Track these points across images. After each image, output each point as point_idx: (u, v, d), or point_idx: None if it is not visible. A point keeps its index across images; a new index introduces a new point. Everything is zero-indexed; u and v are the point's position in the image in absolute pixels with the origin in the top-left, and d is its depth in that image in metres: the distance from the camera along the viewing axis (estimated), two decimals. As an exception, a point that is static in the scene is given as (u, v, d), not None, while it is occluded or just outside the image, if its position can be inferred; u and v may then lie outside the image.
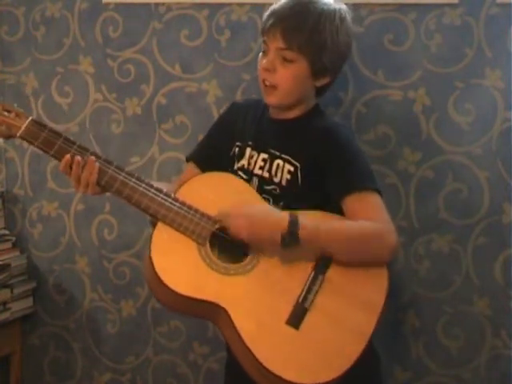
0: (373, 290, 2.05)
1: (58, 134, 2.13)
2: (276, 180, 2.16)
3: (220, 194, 2.13)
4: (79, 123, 2.79)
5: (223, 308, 2.01)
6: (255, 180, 2.20)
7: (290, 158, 2.15)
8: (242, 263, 2.07)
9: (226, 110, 2.39)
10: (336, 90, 2.42)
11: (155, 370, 2.79)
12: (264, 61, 2.14)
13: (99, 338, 2.84)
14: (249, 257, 2.07)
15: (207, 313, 2.08)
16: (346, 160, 2.12)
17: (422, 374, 2.53)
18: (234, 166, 2.24)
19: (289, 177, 2.15)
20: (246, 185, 2.18)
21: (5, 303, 2.77)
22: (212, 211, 2.10)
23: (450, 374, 2.50)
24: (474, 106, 2.43)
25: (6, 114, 2.14)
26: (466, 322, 2.48)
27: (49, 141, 2.12)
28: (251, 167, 2.21)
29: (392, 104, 2.49)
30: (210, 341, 2.71)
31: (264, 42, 2.16)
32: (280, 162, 2.16)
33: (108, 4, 2.72)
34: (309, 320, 2.02)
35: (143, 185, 2.12)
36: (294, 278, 2.04)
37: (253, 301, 2.02)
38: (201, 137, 2.44)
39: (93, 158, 2.11)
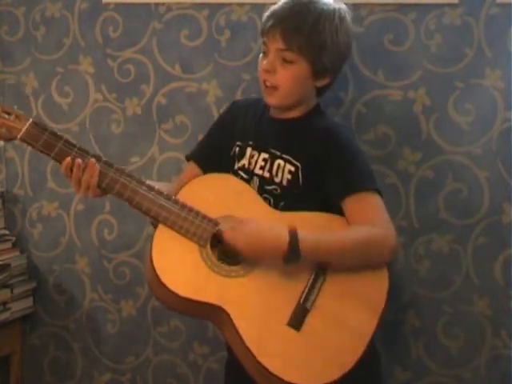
0: (373, 290, 2.06)
1: (58, 137, 2.13)
2: (277, 180, 2.16)
3: (220, 196, 2.14)
4: (79, 123, 2.79)
5: (224, 310, 2.02)
6: (256, 180, 2.20)
7: (290, 158, 2.15)
8: (243, 265, 2.07)
9: (226, 109, 2.39)
10: (336, 90, 2.42)
11: (155, 369, 2.79)
12: (264, 62, 2.14)
13: (99, 338, 2.84)
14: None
15: (208, 314, 2.08)
16: (346, 160, 2.12)
17: (422, 373, 2.53)
18: (234, 166, 2.24)
19: (290, 177, 2.14)
20: (246, 185, 2.18)
21: (5, 303, 2.77)
22: (213, 213, 2.10)
23: (450, 374, 2.50)
24: (473, 105, 2.43)
25: (6, 116, 2.14)
26: (466, 321, 2.48)
27: (49, 143, 2.12)
28: (252, 167, 2.21)
29: (392, 104, 2.48)
30: (209, 341, 2.71)
31: (264, 43, 2.15)
32: (281, 162, 2.16)
33: (108, 4, 2.72)
34: (310, 321, 2.02)
35: (144, 187, 2.12)
36: (294, 280, 2.04)
37: (254, 302, 2.02)
38: (201, 137, 2.44)
39: (93, 160, 2.11)
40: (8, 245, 2.85)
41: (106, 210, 2.78)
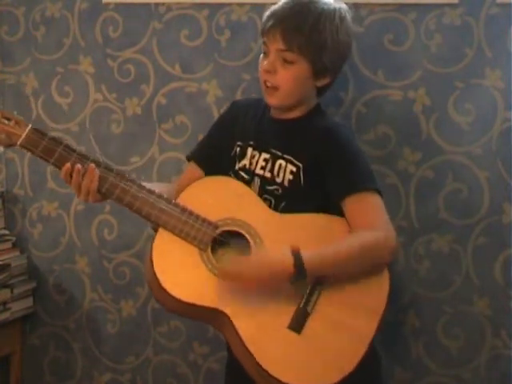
0: (374, 293, 2.05)
1: (58, 142, 2.12)
2: (278, 180, 2.16)
3: (220, 198, 2.14)
4: (79, 123, 2.79)
5: (225, 313, 2.02)
6: (257, 180, 2.19)
7: (292, 159, 2.15)
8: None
9: (226, 109, 2.38)
10: (336, 90, 2.41)
11: (155, 369, 2.79)
12: (265, 62, 2.14)
13: (99, 337, 2.84)
14: None
15: (208, 317, 2.08)
16: (347, 160, 2.12)
17: (422, 374, 2.52)
18: (235, 166, 2.24)
19: (291, 177, 2.14)
20: (247, 188, 2.18)
21: (5, 303, 2.77)
22: (213, 216, 2.10)
23: (450, 374, 2.50)
24: (474, 105, 2.43)
25: (6, 121, 2.13)
26: (466, 321, 2.48)
27: (49, 149, 2.12)
28: (253, 167, 2.21)
29: (392, 104, 2.48)
30: (209, 341, 2.71)
31: (264, 43, 2.15)
32: (282, 162, 2.16)
33: (108, 4, 2.72)
34: (310, 324, 2.02)
35: (144, 191, 2.11)
36: (295, 283, 2.04)
37: (254, 306, 2.02)
38: (201, 137, 2.44)
39: (93, 165, 2.10)
40: (8, 245, 2.85)
41: (106, 210, 2.78)
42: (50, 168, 2.82)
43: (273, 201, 2.16)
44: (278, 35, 2.11)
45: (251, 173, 2.21)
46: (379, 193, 2.11)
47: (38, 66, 2.82)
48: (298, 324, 2.02)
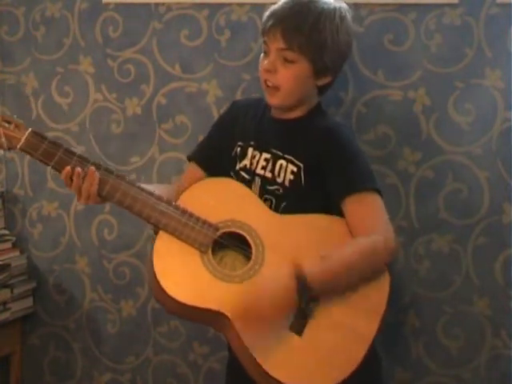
0: (374, 294, 2.05)
1: (57, 145, 2.12)
2: (279, 180, 2.16)
3: (221, 200, 2.14)
4: (79, 123, 2.79)
5: (226, 315, 2.01)
6: (258, 180, 2.19)
7: (292, 159, 2.15)
8: (244, 270, 2.07)
9: (226, 109, 2.38)
10: (336, 89, 2.42)
11: (155, 369, 2.79)
12: (265, 62, 2.14)
13: (99, 337, 2.84)
14: (251, 263, 2.07)
15: (209, 320, 2.07)
16: (347, 160, 2.12)
17: (422, 374, 2.52)
18: (235, 166, 2.24)
19: (292, 177, 2.14)
20: (247, 189, 2.17)
21: (5, 303, 2.77)
22: (214, 217, 2.10)
23: (450, 374, 2.50)
24: (474, 106, 2.43)
25: (6, 125, 2.13)
26: (466, 322, 2.48)
27: (49, 152, 2.12)
28: (253, 167, 2.21)
29: (392, 104, 2.48)
30: (210, 341, 2.71)
31: (264, 42, 2.15)
32: (283, 162, 2.16)
33: (108, 4, 2.72)
34: (311, 326, 2.02)
35: (144, 193, 2.11)
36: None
37: (255, 307, 2.01)
38: (201, 137, 2.44)
39: (93, 168, 2.10)
40: (8, 245, 2.85)
41: (106, 210, 2.78)
42: (49, 168, 2.81)
43: (273, 201, 2.16)
44: (278, 34, 2.11)
45: (252, 173, 2.21)
46: (379, 193, 2.11)
47: (37, 66, 2.82)
48: (298, 325, 2.02)
